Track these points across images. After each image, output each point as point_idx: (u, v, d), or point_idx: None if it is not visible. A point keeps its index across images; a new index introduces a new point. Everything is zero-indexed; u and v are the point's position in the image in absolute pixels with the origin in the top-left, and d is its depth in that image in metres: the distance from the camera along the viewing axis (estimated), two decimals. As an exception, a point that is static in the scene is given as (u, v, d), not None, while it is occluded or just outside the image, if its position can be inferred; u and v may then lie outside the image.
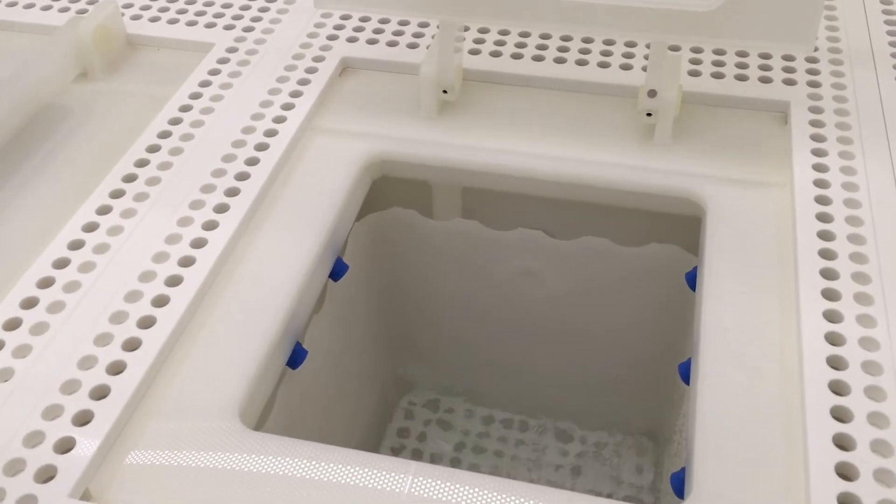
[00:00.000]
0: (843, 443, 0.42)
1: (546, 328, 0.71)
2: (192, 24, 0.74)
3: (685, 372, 0.51)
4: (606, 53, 0.69)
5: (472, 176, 0.64)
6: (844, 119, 0.61)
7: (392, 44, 0.71)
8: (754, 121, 0.63)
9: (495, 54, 0.69)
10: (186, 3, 0.76)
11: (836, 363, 0.46)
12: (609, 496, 0.73)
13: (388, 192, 0.67)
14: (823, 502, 0.40)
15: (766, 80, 0.65)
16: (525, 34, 0.71)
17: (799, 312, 0.48)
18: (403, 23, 0.73)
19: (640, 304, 0.66)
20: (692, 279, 0.57)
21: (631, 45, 0.69)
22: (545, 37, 0.71)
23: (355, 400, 0.73)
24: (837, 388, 0.44)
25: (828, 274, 0.50)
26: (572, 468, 0.75)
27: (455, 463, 0.77)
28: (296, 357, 0.52)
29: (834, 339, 0.47)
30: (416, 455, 0.78)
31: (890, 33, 0.69)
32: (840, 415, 0.43)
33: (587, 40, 0.70)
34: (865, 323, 0.47)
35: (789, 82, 0.65)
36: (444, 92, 0.64)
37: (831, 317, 0.48)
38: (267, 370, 0.48)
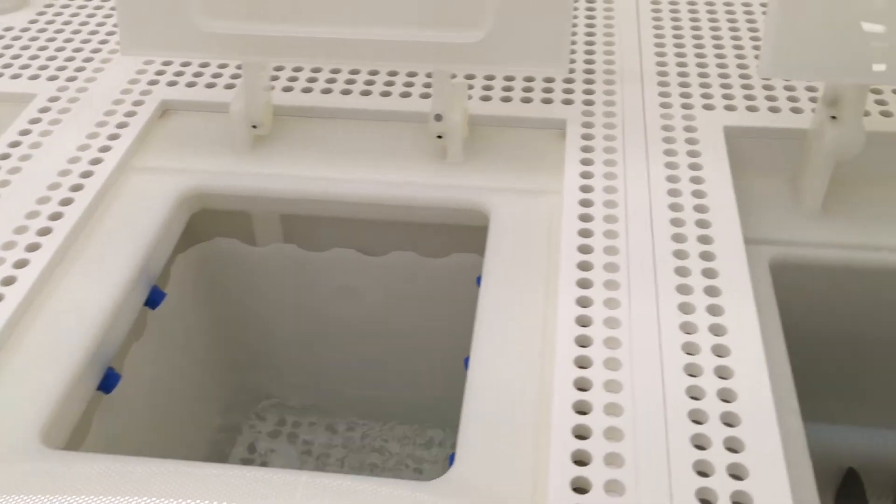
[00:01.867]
0: (582, 408, 0.48)
1: (368, 337, 0.76)
2: (15, 77, 0.77)
3: (468, 362, 0.57)
4: (408, 84, 0.75)
5: (288, 203, 0.69)
6: (611, 132, 0.69)
7: (210, 85, 0.75)
8: (537, 137, 0.71)
9: (307, 90, 0.75)
10: (12, 58, 0.79)
11: (583, 341, 0.52)
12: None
13: (211, 224, 0.71)
14: (561, 452, 0.46)
15: (547, 101, 0.73)
16: (336, 70, 0.76)
17: (557, 301, 0.55)
18: (222, 66, 0.78)
19: (447, 308, 0.72)
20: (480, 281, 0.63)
21: (431, 76, 0.76)
22: (354, 72, 0.77)
23: (194, 421, 0.76)
24: (582, 363, 0.51)
25: (584, 265, 0.57)
26: (394, 462, 0.80)
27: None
28: (108, 382, 0.55)
29: (583, 321, 0.53)
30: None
31: (658, 54, 0.78)
32: (582, 385, 0.50)
33: (392, 73, 0.76)
34: (611, 305, 0.54)
35: (567, 102, 0.72)
36: (254, 127, 0.69)
37: (583, 302, 0.55)
38: (74, 394, 0.52)
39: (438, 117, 0.66)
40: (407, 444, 0.81)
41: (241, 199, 0.68)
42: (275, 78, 0.76)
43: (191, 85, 0.76)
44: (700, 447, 0.46)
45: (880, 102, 0.69)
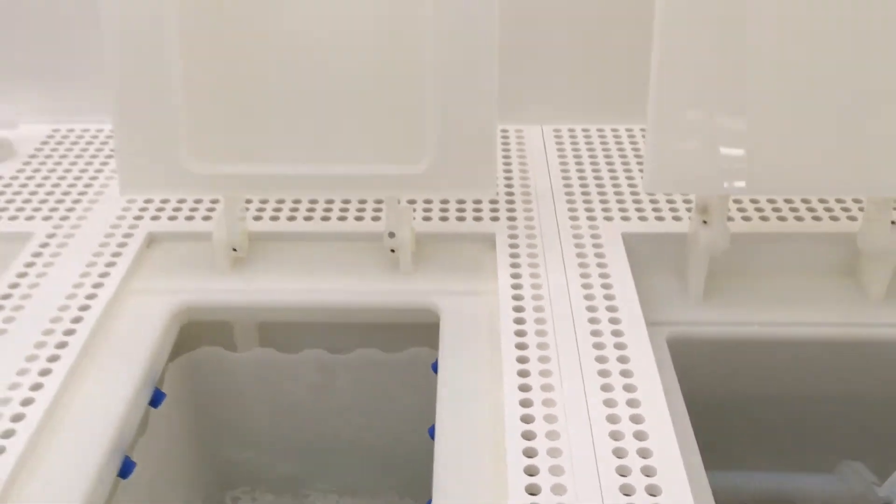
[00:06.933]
0: (531, 471, 0.61)
1: (343, 422, 0.87)
2: (13, 218, 0.88)
3: (432, 431, 0.68)
4: (360, 210, 0.89)
5: (263, 313, 0.81)
6: (532, 241, 0.84)
7: (189, 217, 0.88)
8: (472, 249, 0.85)
9: (274, 218, 0.88)
10: (6, 202, 0.90)
11: (526, 418, 0.65)
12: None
13: (197, 334, 0.82)
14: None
15: (478, 219, 0.88)
16: (297, 200, 0.90)
17: (502, 383, 0.68)
18: (198, 201, 0.90)
19: (410, 393, 0.84)
20: (436, 367, 0.76)
21: (379, 201, 0.90)
22: (313, 201, 0.91)
23: (185, 500, 0.85)
24: (527, 434, 0.63)
25: (521, 358, 0.70)
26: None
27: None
28: (125, 468, 0.65)
29: (525, 402, 0.66)
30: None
31: (563, 176, 0.95)
32: (530, 452, 0.62)
33: (345, 201, 0.91)
34: (546, 388, 0.67)
35: (494, 219, 0.88)
36: (234, 250, 0.81)
37: (523, 386, 0.67)
38: (100, 478, 0.61)
39: (391, 235, 0.80)
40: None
41: (223, 311, 0.80)
42: (245, 208, 0.88)
43: (172, 218, 0.88)
44: (627, 494, 0.59)
45: (741, 210, 0.87)
